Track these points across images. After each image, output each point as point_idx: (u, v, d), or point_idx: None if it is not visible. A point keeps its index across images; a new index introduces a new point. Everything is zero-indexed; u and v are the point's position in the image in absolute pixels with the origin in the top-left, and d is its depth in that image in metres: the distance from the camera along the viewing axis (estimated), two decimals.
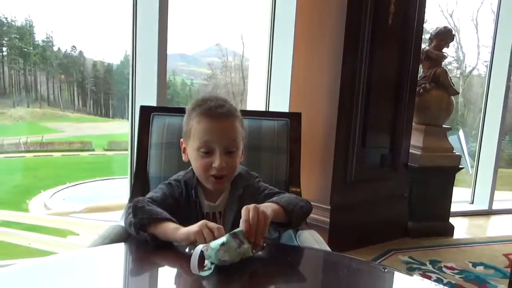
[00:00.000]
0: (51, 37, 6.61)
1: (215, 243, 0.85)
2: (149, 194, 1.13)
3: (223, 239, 0.85)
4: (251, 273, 0.91)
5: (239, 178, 1.19)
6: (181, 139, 1.19)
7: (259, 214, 0.93)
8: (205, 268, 0.82)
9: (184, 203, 1.15)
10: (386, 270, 0.99)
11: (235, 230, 0.88)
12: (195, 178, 1.16)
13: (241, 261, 0.86)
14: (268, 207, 1.02)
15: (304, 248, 1.15)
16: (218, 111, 1.10)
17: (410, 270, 2.54)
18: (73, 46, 6.75)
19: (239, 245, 0.86)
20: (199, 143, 1.10)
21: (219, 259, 0.83)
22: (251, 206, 0.94)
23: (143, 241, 0.99)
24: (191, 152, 1.14)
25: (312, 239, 1.25)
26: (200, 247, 0.84)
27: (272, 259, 0.98)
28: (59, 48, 6.82)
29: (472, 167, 4.69)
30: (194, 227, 0.92)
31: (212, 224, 0.92)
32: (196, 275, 0.80)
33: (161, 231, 0.98)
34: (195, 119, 1.11)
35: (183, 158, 1.19)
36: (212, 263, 0.83)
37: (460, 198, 4.07)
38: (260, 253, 0.91)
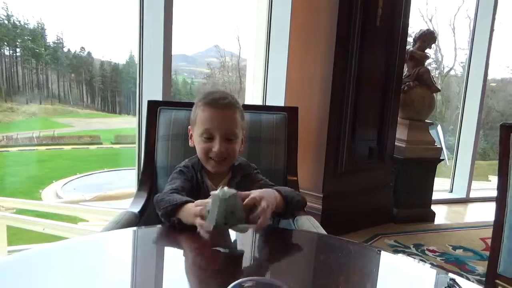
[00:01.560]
0: (62, 39, 6.53)
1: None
2: (168, 187, 1.12)
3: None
4: (251, 256, 0.89)
5: (239, 167, 1.22)
6: (189, 126, 1.22)
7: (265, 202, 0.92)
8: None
9: (195, 185, 1.17)
10: (380, 252, 0.98)
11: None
12: (199, 163, 1.19)
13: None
14: (273, 197, 1.00)
15: (303, 232, 1.14)
16: (220, 102, 1.14)
17: (395, 253, 2.54)
18: (82, 47, 6.68)
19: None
20: (202, 129, 1.14)
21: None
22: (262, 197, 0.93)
23: (154, 226, 0.97)
24: (195, 137, 1.18)
25: (309, 224, 1.23)
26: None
27: (273, 242, 0.96)
28: (69, 49, 6.75)
29: (449, 159, 4.71)
30: (190, 206, 0.94)
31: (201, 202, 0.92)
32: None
33: (184, 215, 0.97)
34: (200, 108, 1.16)
35: (190, 143, 1.22)
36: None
37: (439, 187, 4.08)
38: (280, 254, 0.86)
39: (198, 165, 1.19)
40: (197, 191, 1.15)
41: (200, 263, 0.74)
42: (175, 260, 0.90)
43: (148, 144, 1.47)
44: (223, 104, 1.14)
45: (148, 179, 1.41)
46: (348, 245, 0.98)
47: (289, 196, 1.08)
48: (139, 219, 1.20)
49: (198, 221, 0.89)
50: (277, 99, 2.75)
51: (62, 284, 0.72)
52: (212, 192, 0.87)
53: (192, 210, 0.93)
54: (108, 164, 6.64)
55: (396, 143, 3.11)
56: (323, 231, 1.14)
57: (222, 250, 0.84)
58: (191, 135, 1.21)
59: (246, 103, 3.03)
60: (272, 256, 0.80)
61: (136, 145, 2.36)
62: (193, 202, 0.98)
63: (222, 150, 1.12)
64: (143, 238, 0.99)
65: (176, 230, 0.96)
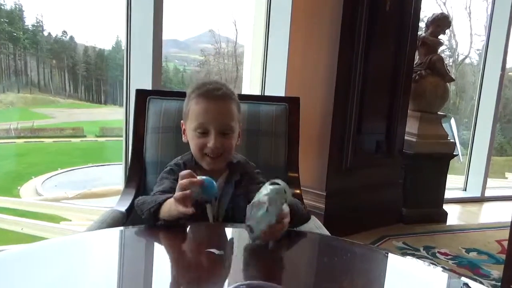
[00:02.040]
0: (41, 21, 6.48)
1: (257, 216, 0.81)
2: (155, 189, 1.13)
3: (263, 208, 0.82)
4: (248, 259, 0.89)
5: (237, 164, 1.21)
6: (182, 121, 1.22)
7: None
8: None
9: None
10: (387, 255, 0.99)
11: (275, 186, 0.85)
12: (193, 160, 1.18)
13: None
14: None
15: (305, 233, 1.14)
16: (214, 94, 1.14)
17: (404, 256, 2.56)
18: (64, 31, 6.62)
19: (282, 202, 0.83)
20: (196, 123, 1.14)
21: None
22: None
23: (142, 226, 0.97)
24: (189, 132, 1.17)
25: (311, 224, 1.24)
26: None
27: (271, 244, 0.96)
28: (49, 33, 6.69)
29: (463, 155, 4.73)
30: (172, 200, 0.94)
31: (183, 183, 0.92)
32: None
33: (165, 212, 0.97)
34: (193, 101, 1.15)
35: (183, 139, 1.21)
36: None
37: (452, 185, 4.10)
38: (281, 256, 0.87)
39: (191, 163, 1.18)
40: None
41: (193, 266, 0.75)
42: (165, 262, 0.90)
43: (136, 137, 1.47)
44: (218, 96, 1.14)
45: (136, 175, 1.41)
46: (352, 247, 0.99)
47: (295, 209, 1.03)
48: (126, 218, 1.21)
49: (181, 209, 0.89)
50: (277, 89, 2.75)
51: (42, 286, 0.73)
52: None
53: (170, 208, 0.94)
54: (93, 158, 6.62)
55: (406, 137, 3.12)
56: (326, 232, 1.15)
57: (217, 252, 0.84)
58: (184, 129, 1.20)
59: (243, 93, 3.02)
60: (270, 259, 0.80)
61: (123, 138, 2.36)
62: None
63: (218, 145, 1.12)
64: (131, 238, 0.99)
65: (166, 230, 0.96)
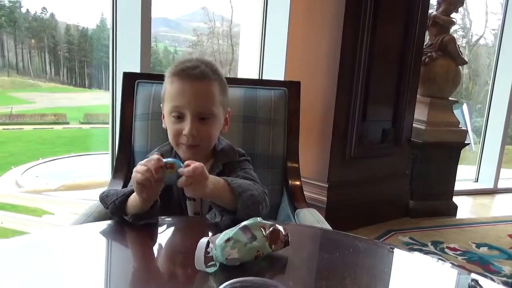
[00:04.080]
0: None
1: (220, 239, 0.77)
2: (130, 183, 1.07)
3: (229, 233, 0.78)
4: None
5: (221, 153, 1.17)
6: (161, 104, 1.18)
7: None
8: (209, 264, 0.75)
9: None
10: (393, 250, 1.00)
11: (245, 222, 0.80)
12: (173, 152, 1.15)
13: (256, 259, 0.79)
14: (211, 180, 0.97)
15: (305, 227, 1.16)
16: (190, 73, 1.08)
17: (411, 251, 2.59)
18: (44, 8, 6.55)
19: (251, 240, 0.78)
20: (170, 106, 1.09)
21: (226, 258, 0.75)
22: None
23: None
24: (166, 117, 1.14)
25: (312, 218, 1.26)
26: (204, 240, 0.77)
27: None
28: (27, 10, 6.62)
29: (475, 143, 4.75)
30: (132, 181, 0.93)
31: (140, 168, 0.91)
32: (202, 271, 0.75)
33: (131, 205, 0.96)
34: (168, 80, 1.11)
35: (163, 124, 1.17)
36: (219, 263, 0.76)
37: (463, 176, 4.13)
38: (280, 252, 0.83)
39: (170, 155, 1.14)
40: (169, 187, 1.06)
41: (188, 262, 0.76)
42: (157, 258, 0.91)
43: (123, 124, 1.47)
44: (194, 75, 1.08)
45: (123, 165, 1.41)
46: (356, 242, 1.00)
47: (240, 187, 1.00)
48: None
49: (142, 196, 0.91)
50: (276, 72, 2.74)
51: (23, 285, 0.73)
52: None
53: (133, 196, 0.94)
54: (77, 147, 6.61)
55: (414, 125, 3.13)
56: (328, 226, 1.16)
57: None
58: (163, 114, 1.16)
59: (239, 76, 3.02)
60: (269, 254, 0.81)
61: (109, 126, 2.36)
62: None
63: (194, 132, 1.06)
64: (119, 232, 1.00)
65: (156, 223, 0.97)
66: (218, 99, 1.11)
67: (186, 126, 1.06)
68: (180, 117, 1.08)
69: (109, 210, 0.99)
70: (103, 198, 1.02)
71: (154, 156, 0.93)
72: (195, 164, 0.91)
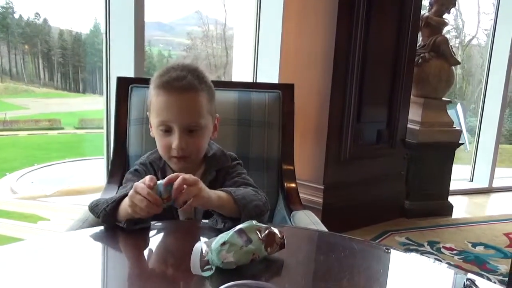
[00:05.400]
0: (11, 2, 6.38)
1: (215, 243, 0.77)
2: (120, 191, 1.09)
3: (224, 237, 0.78)
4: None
5: (213, 159, 1.15)
6: (147, 112, 1.15)
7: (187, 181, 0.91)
8: (205, 268, 0.76)
9: None
10: (389, 251, 1.00)
11: (241, 226, 0.81)
12: (162, 160, 1.14)
13: (252, 262, 0.79)
14: (213, 192, 0.97)
15: (301, 229, 1.16)
16: (176, 85, 1.04)
17: (407, 252, 2.59)
18: (37, 13, 6.53)
19: (246, 243, 0.78)
20: (157, 121, 1.07)
21: (222, 262, 0.76)
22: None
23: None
24: (153, 129, 1.11)
25: (308, 220, 1.26)
26: (200, 244, 0.78)
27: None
28: (20, 16, 6.60)
29: (470, 143, 4.77)
30: (126, 201, 0.92)
31: (140, 187, 0.89)
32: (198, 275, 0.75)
33: (123, 210, 0.94)
34: (154, 91, 1.08)
35: (150, 133, 1.15)
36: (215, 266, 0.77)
37: (458, 175, 4.14)
38: (276, 254, 0.83)
39: (159, 162, 1.13)
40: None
41: (184, 266, 0.76)
42: (154, 262, 0.91)
43: (118, 129, 1.47)
44: (180, 87, 1.04)
45: (119, 170, 1.41)
46: (352, 244, 1.00)
47: (245, 198, 1.00)
48: None
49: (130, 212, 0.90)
50: (270, 74, 2.74)
51: None
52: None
53: (122, 210, 0.93)
54: (71, 153, 6.59)
55: (408, 125, 3.14)
56: (324, 228, 1.16)
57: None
58: (151, 124, 1.13)
59: (234, 79, 3.02)
60: (265, 256, 0.81)
61: (104, 130, 2.35)
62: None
63: (183, 146, 1.05)
64: (114, 238, 0.99)
65: (152, 228, 0.97)
66: (206, 109, 1.09)
67: (175, 141, 1.05)
68: (168, 131, 1.06)
69: (100, 219, 0.98)
70: (92, 208, 1.00)
71: (152, 194, 0.89)
72: (178, 180, 0.90)
